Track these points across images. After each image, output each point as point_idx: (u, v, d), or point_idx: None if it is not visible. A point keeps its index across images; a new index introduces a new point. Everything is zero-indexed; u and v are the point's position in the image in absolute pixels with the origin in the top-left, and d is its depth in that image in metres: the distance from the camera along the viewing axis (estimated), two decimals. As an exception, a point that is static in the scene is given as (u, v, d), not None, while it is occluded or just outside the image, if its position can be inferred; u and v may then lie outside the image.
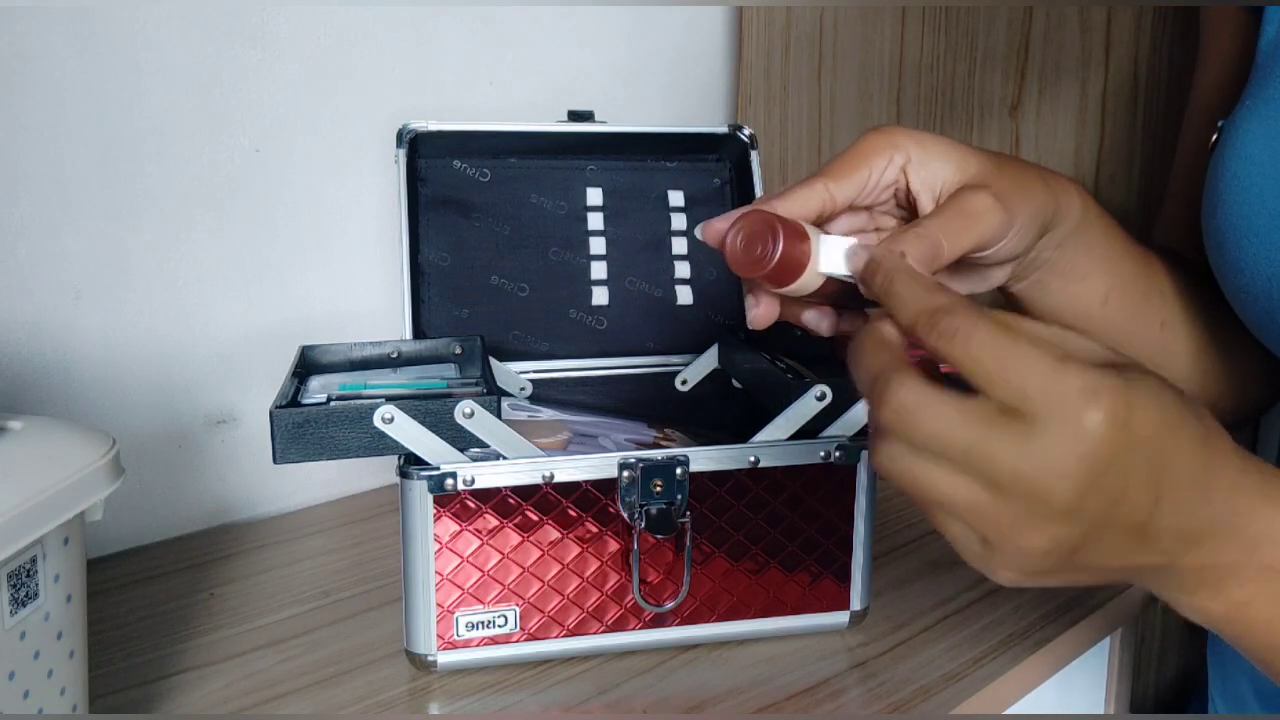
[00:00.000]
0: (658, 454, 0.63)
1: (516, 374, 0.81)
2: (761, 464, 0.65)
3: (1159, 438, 0.36)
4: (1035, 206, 0.50)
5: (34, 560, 0.47)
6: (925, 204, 0.50)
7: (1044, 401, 0.35)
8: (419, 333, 0.77)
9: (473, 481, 0.61)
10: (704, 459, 0.64)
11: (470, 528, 0.62)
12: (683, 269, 0.85)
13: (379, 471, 0.96)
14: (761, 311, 0.49)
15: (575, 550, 0.63)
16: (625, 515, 0.63)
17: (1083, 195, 0.54)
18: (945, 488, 0.38)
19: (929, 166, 0.50)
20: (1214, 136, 0.59)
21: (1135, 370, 0.38)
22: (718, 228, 0.47)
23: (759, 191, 0.83)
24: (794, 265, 0.45)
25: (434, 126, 0.79)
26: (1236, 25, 0.64)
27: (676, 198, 0.86)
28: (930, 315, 0.38)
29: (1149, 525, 0.38)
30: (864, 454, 0.66)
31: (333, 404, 0.59)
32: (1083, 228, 0.54)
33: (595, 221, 0.85)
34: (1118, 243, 0.58)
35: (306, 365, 0.71)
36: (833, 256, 0.46)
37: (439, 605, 0.62)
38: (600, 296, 0.84)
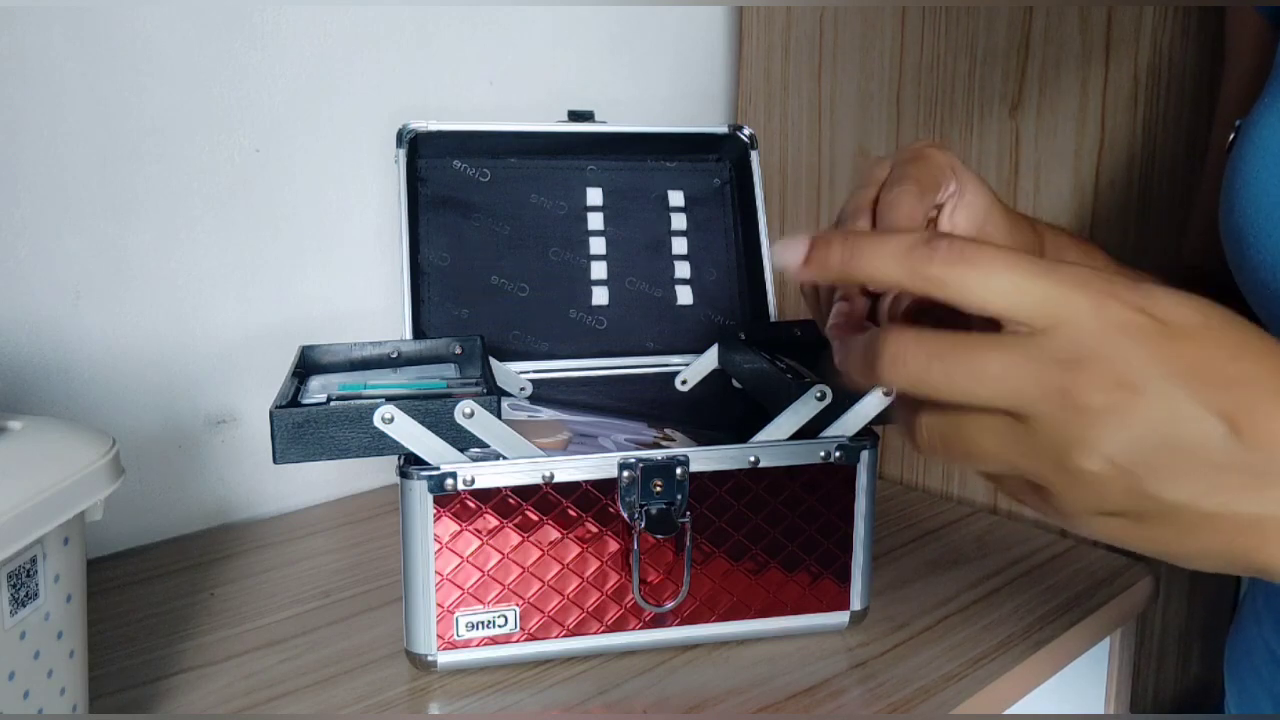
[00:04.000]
0: (658, 454, 0.63)
1: (516, 374, 0.81)
2: (761, 464, 0.65)
3: (1207, 335, 0.31)
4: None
5: (34, 560, 0.47)
6: None
7: (1054, 303, 0.31)
8: (419, 333, 0.77)
9: (473, 481, 0.61)
10: (704, 459, 0.64)
11: (470, 528, 0.62)
12: (683, 269, 0.85)
13: (379, 471, 0.96)
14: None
15: (575, 550, 0.63)
16: (625, 515, 0.63)
17: (1077, 244, 0.56)
18: (976, 434, 0.33)
19: (967, 207, 0.50)
20: (1230, 136, 0.59)
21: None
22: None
23: (759, 192, 0.83)
24: None
25: (434, 126, 0.79)
26: (1256, 31, 0.64)
27: (676, 198, 0.86)
28: (926, 243, 0.33)
29: (1239, 446, 0.31)
30: (864, 454, 0.66)
31: (333, 404, 0.59)
32: None
33: (595, 221, 0.85)
34: None
35: (306, 365, 0.71)
36: None
37: (439, 605, 0.62)
38: (600, 296, 0.84)
